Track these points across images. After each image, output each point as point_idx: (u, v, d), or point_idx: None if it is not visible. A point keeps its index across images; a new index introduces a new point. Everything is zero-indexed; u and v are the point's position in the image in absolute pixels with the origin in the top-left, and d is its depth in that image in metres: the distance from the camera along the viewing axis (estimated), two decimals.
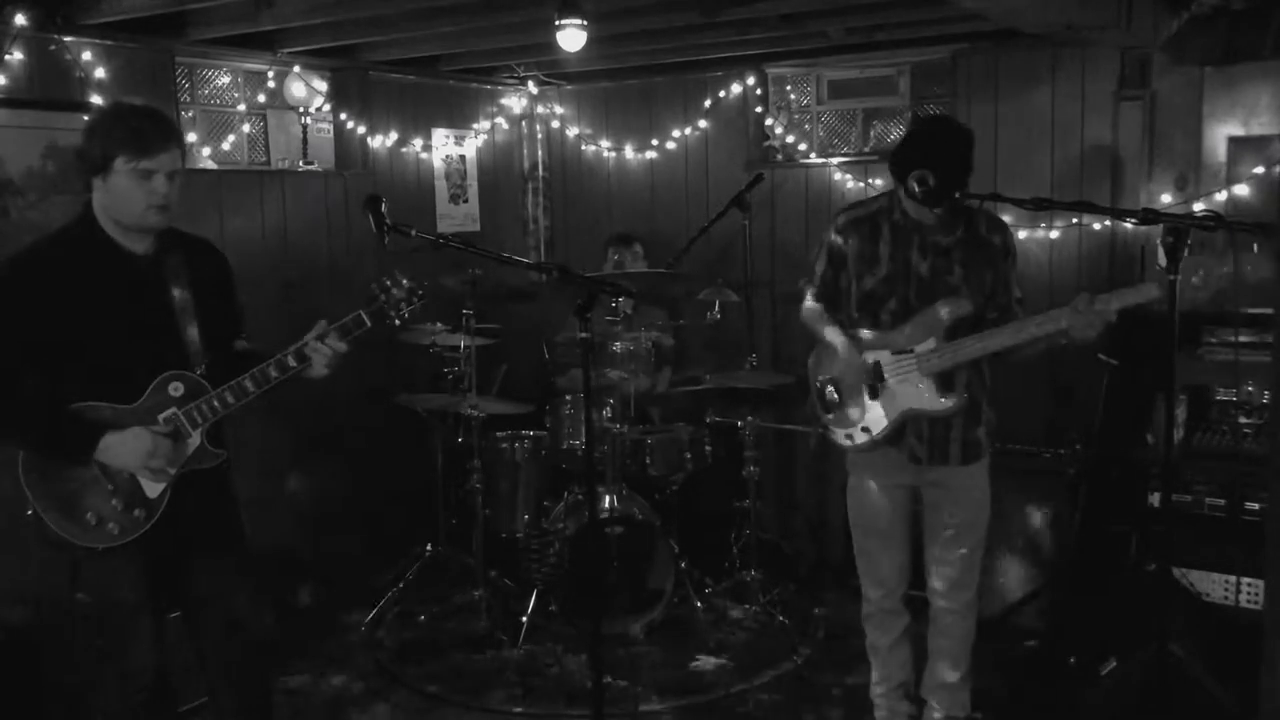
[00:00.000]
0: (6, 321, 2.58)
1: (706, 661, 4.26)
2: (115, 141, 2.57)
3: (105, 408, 2.64)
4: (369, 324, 2.71)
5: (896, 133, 5.43)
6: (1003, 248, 3.17)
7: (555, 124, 6.15)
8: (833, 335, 3.29)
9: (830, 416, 3.33)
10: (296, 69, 4.83)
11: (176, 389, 2.68)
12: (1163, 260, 2.62)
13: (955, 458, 3.20)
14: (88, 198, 2.67)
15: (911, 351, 3.13)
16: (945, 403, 3.13)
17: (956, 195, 2.92)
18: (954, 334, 3.10)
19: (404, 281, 2.72)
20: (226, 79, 4.89)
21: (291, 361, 2.68)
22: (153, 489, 2.69)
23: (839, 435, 3.32)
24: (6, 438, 2.68)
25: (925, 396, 3.14)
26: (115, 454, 2.62)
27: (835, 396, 3.30)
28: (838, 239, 3.27)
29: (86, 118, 2.72)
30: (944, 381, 3.14)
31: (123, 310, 2.65)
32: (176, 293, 2.71)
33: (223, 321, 2.85)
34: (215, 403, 2.68)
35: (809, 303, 3.40)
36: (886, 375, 3.18)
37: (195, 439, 2.71)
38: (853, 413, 3.26)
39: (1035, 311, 3.07)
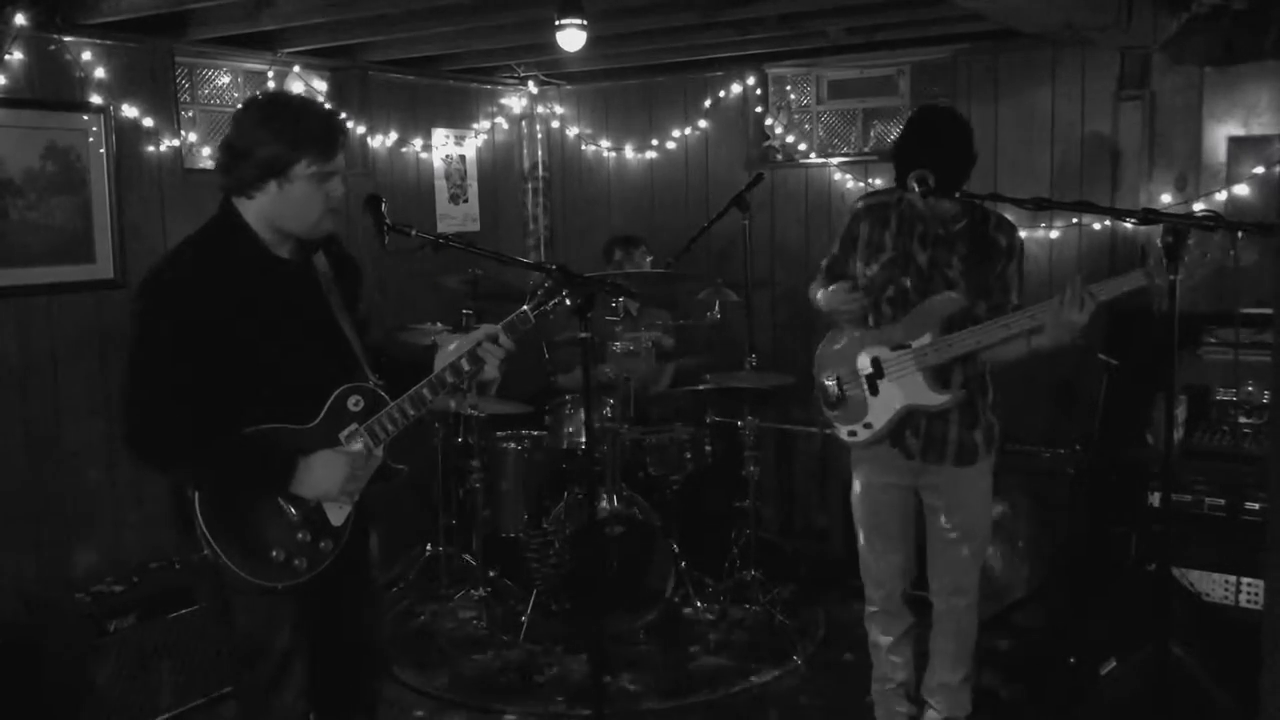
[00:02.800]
0: (166, 341, 2.30)
1: (706, 661, 4.26)
2: (301, 143, 2.32)
3: (284, 430, 2.39)
4: (533, 321, 2.56)
5: (896, 133, 5.41)
6: (1007, 248, 3.17)
7: (555, 124, 6.15)
8: (832, 292, 3.26)
9: (834, 413, 3.34)
10: (296, 69, 4.83)
11: (356, 403, 2.47)
12: (1163, 260, 2.62)
13: (950, 458, 3.20)
14: (225, 200, 2.42)
15: (908, 347, 3.14)
16: (941, 397, 3.14)
17: (957, 195, 2.92)
18: (950, 329, 3.11)
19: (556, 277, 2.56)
20: (226, 79, 4.89)
21: (466, 365, 2.51)
22: (337, 516, 2.48)
23: (842, 432, 3.33)
24: (185, 475, 2.39)
25: (922, 391, 3.15)
26: (312, 483, 2.39)
27: (838, 393, 3.31)
28: (853, 222, 3.31)
29: (246, 117, 2.37)
30: (940, 376, 3.15)
31: (285, 319, 2.42)
32: (331, 299, 2.51)
33: (365, 326, 2.66)
34: (397, 415, 2.50)
35: (815, 284, 3.41)
36: (885, 371, 3.19)
37: (378, 455, 2.51)
38: (855, 409, 3.27)
39: None
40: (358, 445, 2.47)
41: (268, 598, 2.42)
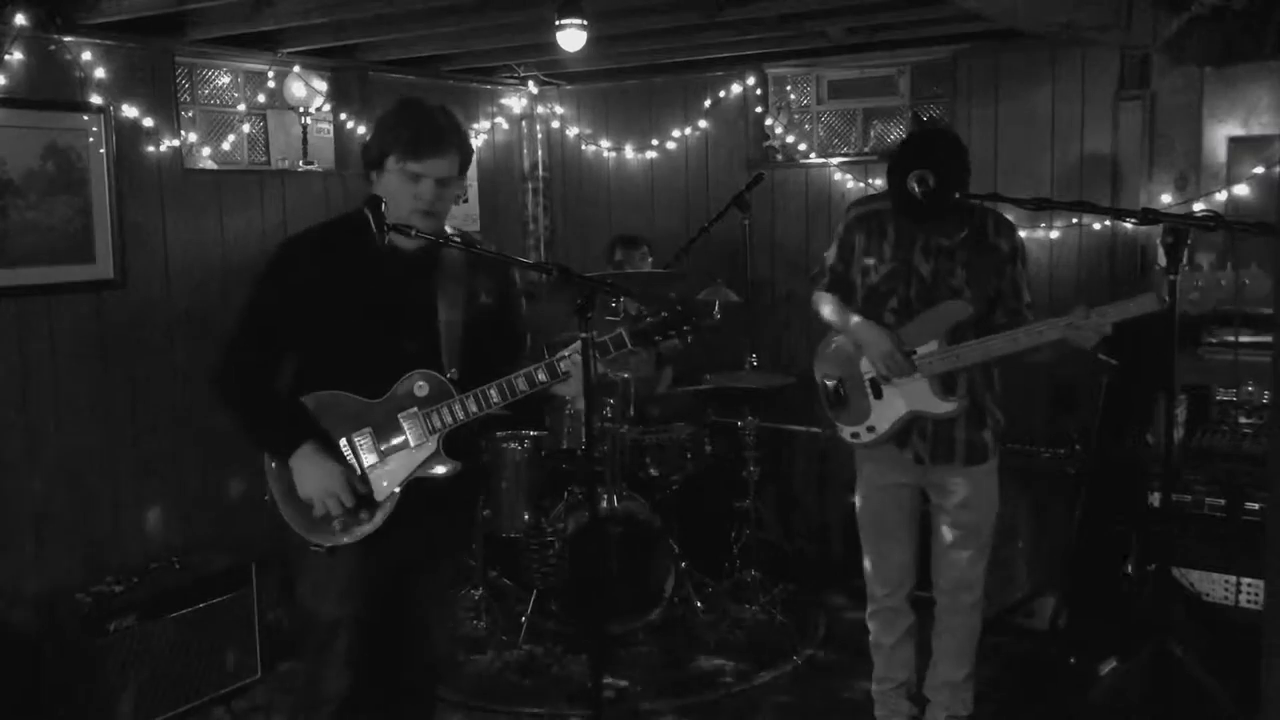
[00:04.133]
0: (268, 298, 2.60)
1: (706, 661, 4.26)
2: (390, 140, 2.55)
3: (351, 399, 2.58)
4: (629, 345, 2.54)
5: (897, 133, 5.43)
6: (1010, 251, 3.17)
7: (555, 124, 6.15)
8: (856, 322, 3.23)
9: (835, 414, 3.34)
10: (296, 69, 4.83)
11: (421, 389, 2.58)
12: (1163, 260, 2.62)
13: (959, 458, 3.20)
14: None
15: (914, 352, 3.13)
16: (946, 406, 3.14)
17: (956, 196, 2.93)
18: (956, 336, 3.10)
19: (677, 308, 2.53)
20: (226, 79, 4.89)
21: (541, 376, 2.55)
22: (381, 491, 2.59)
23: (845, 433, 3.33)
24: (232, 419, 2.65)
25: (927, 399, 3.14)
26: (300, 470, 2.55)
27: (841, 395, 3.31)
28: (847, 233, 3.29)
29: (376, 119, 2.70)
30: (945, 384, 3.15)
31: (381, 302, 2.59)
32: (442, 293, 2.64)
33: (489, 332, 2.73)
34: (457, 408, 2.57)
35: (822, 293, 3.37)
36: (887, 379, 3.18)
37: (431, 445, 2.59)
38: (858, 411, 3.27)
39: (1042, 314, 3.08)
40: (360, 487, 2.57)
41: (318, 560, 2.58)
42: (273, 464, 2.63)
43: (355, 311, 2.58)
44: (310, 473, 2.54)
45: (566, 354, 2.54)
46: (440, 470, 2.61)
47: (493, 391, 2.56)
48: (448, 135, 2.57)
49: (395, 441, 2.59)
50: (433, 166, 2.54)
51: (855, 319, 3.23)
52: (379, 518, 2.59)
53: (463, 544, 2.83)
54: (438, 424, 2.58)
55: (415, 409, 2.58)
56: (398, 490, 2.59)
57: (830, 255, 3.36)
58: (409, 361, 2.59)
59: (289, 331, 2.59)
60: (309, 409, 2.60)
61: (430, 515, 2.66)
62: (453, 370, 2.61)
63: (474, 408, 2.57)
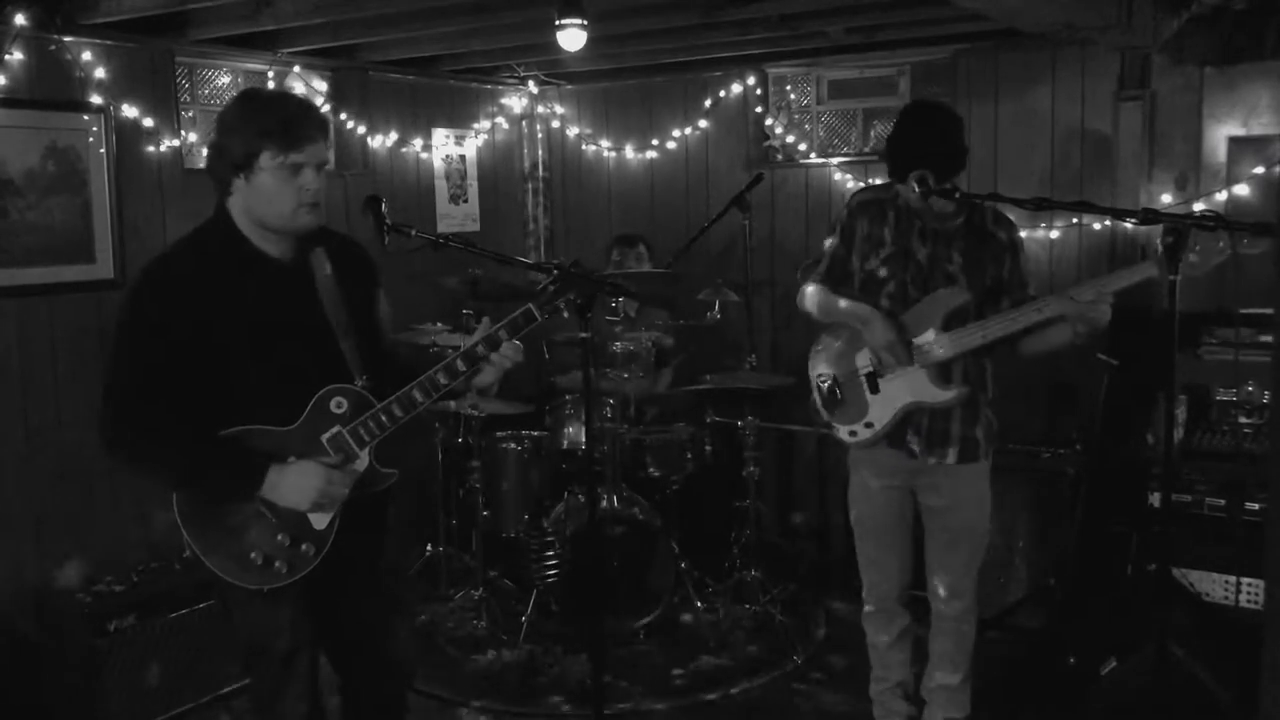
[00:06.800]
0: (146, 342, 2.33)
1: (706, 661, 4.26)
2: (261, 134, 2.29)
3: (264, 432, 2.38)
4: (539, 318, 2.45)
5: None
6: (1007, 242, 3.17)
7: (555, 124, 6.15)
8: (848, 305, 3.22)
9: (831, 413, 3.33)
10: (296, 69, 4.83)
11: (339, 405, 2.42)
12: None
13: (952, 454, 3.19)
14: (219, 200, 2.42)
15: (910, 343, 3.13)
16: (945, 393, 3.12)
17: (957, 195, 2.93)
18: (951, 324, 3.10)
19: (570, 271, 2.46)
20: (226, 79, 4.89)
21: (461, 365, 2.43)
22: (320, 520, 2.42)
23: (842, 432, 3.32)
24: (157, 476, 2.44)
25: (925, 388, 3.13)
26: (283, 492, 2.35)
27: (837, 394, 3.30)
28: (850, 219, 3.28)
29: (222, 115, 2.39)
30: (943, 372, 3.14)
31: (269, 321, 2.38)
32: (326, 299, 2.45)
33: (374, 328, 2.61)
34: (383, 417, 2.43)
35: (811, 287, 3.34)
36: (887, 368, 3.18)
37: (364, 459, 2.45)
38: (855, 409, 3.26)
39: None
40: (336, 457, 2.43)
41: (260, 600, 2.42)
42: (185, 517, 2.40)
43: (245, 334, 2.35)
44: (293, 484, 2.36)
45: (477, 339, 2.45)
46: (379, 485, 2.50)
47: (416, 392, 2.44)
48: (314, 116, 2.38)
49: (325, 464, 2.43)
50: (313, 153, 2.34)
51: (846, 303, 3.22)
52: (324, 548, 2.44)
53: (387, 555, 2.73)
54: (366, 437, 2.44)
55: (338, 427, 2.43)
56: (335, 515, 2.45)
57: (832, 242, 3.32)
58: (314, 379, 2.41)
59: (179, 369, 2.33)
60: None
61: (361, 532, 2.55)
62: (362, 378, 2.46)
63: (399, 412, 2.44)
